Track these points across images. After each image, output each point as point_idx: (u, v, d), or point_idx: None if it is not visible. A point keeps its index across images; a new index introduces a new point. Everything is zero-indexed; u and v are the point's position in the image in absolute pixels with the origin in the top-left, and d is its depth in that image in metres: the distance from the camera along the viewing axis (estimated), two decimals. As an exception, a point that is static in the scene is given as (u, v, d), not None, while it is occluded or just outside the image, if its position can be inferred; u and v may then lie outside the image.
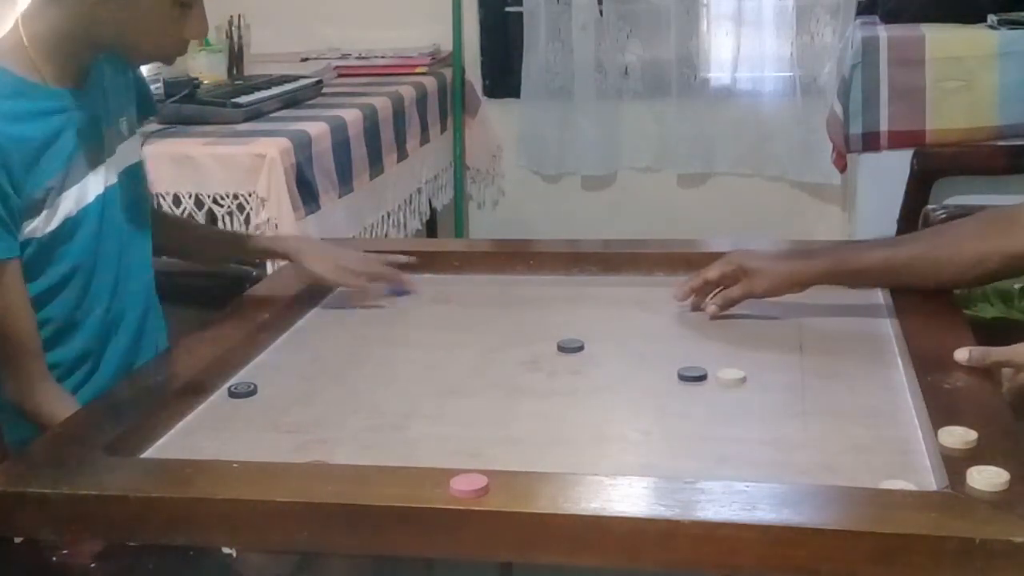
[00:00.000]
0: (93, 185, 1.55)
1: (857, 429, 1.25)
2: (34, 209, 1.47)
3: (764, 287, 1.53)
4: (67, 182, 1.50)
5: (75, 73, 1.52)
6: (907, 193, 2.58)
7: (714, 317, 1.55)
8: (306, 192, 2.46)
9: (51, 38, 1.47)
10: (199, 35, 1.54)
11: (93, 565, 1.26)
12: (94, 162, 1.55)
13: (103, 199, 1.56)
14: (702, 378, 1.40)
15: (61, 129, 1.49)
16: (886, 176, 2.64)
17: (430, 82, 3.32)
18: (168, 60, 1.58)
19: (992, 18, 2.69)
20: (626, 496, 1.06)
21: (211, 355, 1.50)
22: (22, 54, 1.47)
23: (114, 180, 1.59)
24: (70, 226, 1.51)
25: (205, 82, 2.96)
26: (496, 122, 3.60)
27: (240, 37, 3.32)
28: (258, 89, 2.85)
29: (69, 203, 1.50)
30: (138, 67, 1.68)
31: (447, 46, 3.49)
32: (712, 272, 1.55)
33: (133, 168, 1.65)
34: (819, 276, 1.54)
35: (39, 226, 1.48)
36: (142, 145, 1.76)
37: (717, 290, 1.57)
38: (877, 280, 1.58)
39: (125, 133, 1.64)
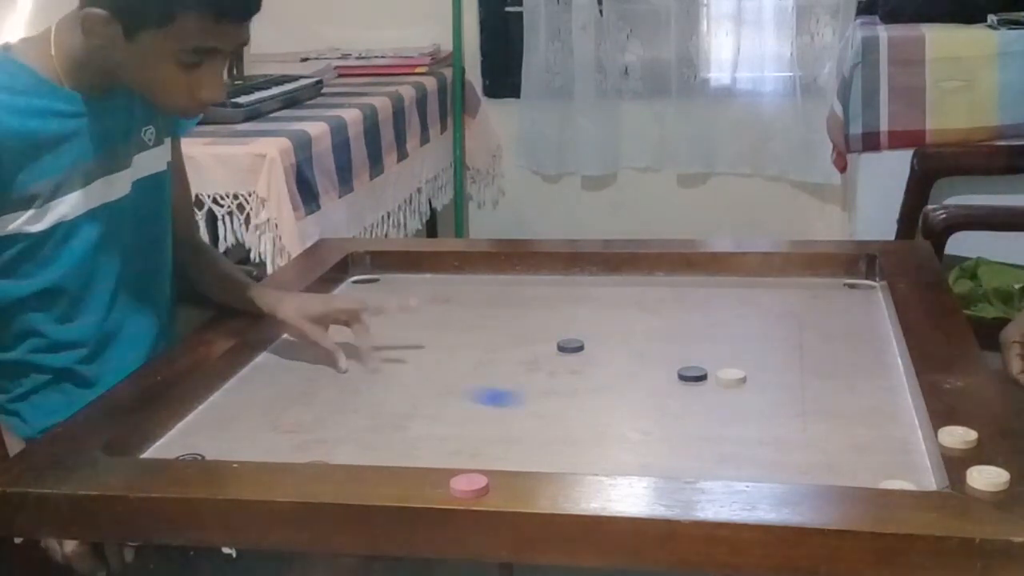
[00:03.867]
0: (97, 194, 1.51)
1: (857, 429, 1.25)
2: (22, 203, 1.44)
3: None
4: (66, 186, 1.47)
5: (100, 89, 1.49)
6: (907, 193, 2.58)
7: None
8: (306, 192, 2.46)
9: (77, 60, 1.45)
10: (212, 98, 1.46)
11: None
12: (102, 171, 1.52)
13: (109, 208, 1.53)
14: (702, 378, 1.40)
15: (70, 133, 1.47)
16: (886, 176, 2.64)
17: (430, 82, 3.32)
18: (182, 116, 1.55)
19: (992, 18, 2.69)
20: (626, 496, 1.06)
21: (211, 355, 1.50)
22: (47, 60, 1.46)
23: (125, 192, 1.55)
24: (64, 230, 1.49)
25: (205, 82, 2.95)
26: (496, 122, 3.60)
27: (240, 37, 3.32)
28: (258, 89, 2.85)
29: (65, 207, 1.48)
30: (165, 113, 1.59)
31: (447, 46, 3.49)
32: None
33: (152, 178, 1.61)
34: None
35: (26, 223, 1.45)
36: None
37: None
38: None
39: (149, 143, 1.60)
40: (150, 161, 1.60)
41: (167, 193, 1.66)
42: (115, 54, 1.41)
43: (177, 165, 1.71)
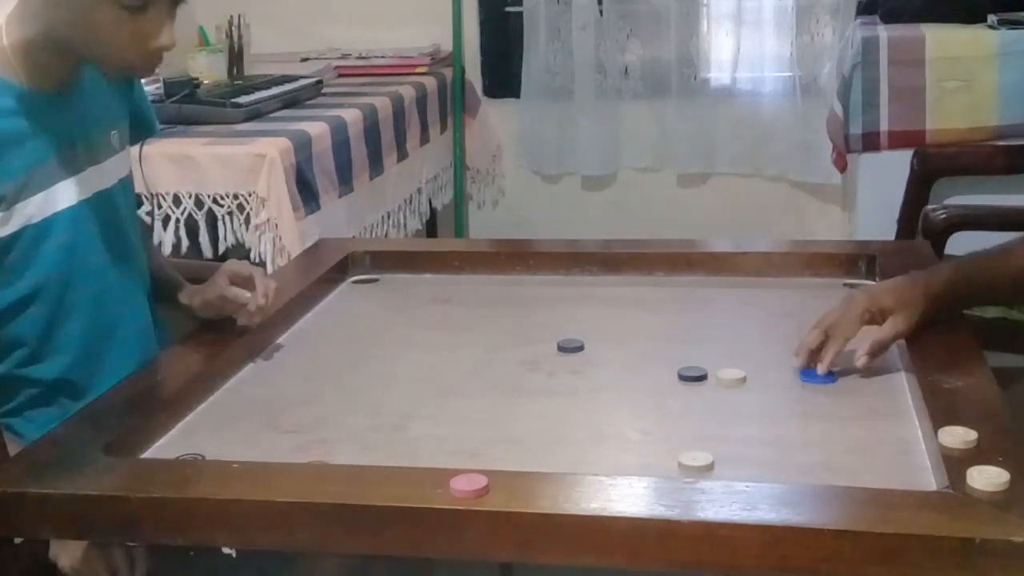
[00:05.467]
0: (65, 194, 1.48)
1: (857, 429, 1.25)
2: None
3: (910, 324, 1.39)
4: (30, 186, 1.44)
5: (57, 79, 1.47)
6: (907, 193, 2.58)
7: (867, 367, 1.37)
8: (306, 192, 2.46)
9: (27, 44, 1.43)
10: (162, 46, 1.42)
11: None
12: (69, 171, 1.49)
13: (78, 210, 1.50)
14: (702, 378, 1.40)
15: (30, 131, 1.44)
16: (886, 176, 2.64)
17: (430, 82, 3.32)
18: (136, 72, 1.49)
19: (992, 18, 2.69)
20: (626, 496, 1.06)
21: (211, 355, 1.50)
22: (3, 56, 1.43)
23: (94, 192, 1.53)
24: (33, 233, 1.45)
25: (205, 82, 2.96)
26: (496, 122, 3.60)
27: (240, 37, 3.32)
28: (258, 89, 2.85)
29: (31, 208, 1.45)
30: (118, 79, 1.57)
31: (447, 46, 3.49)
32: (852, 329, 1.38)
33: (122, 183, 1.59)
34: (943, 294, 1.41)
35: None
36: (140, 148, 1.71)
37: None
38: (994, 295, 1.47)
39: (116, 147, 1.58)
40: (118, 165, 1.59)
41: (132, 197, 1.65)
42: (56, 12, 1.38)
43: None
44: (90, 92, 1.54)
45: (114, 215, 1.57)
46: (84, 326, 1.53)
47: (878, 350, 1.38)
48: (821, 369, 1.37)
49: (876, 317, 1.39)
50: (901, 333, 1.39)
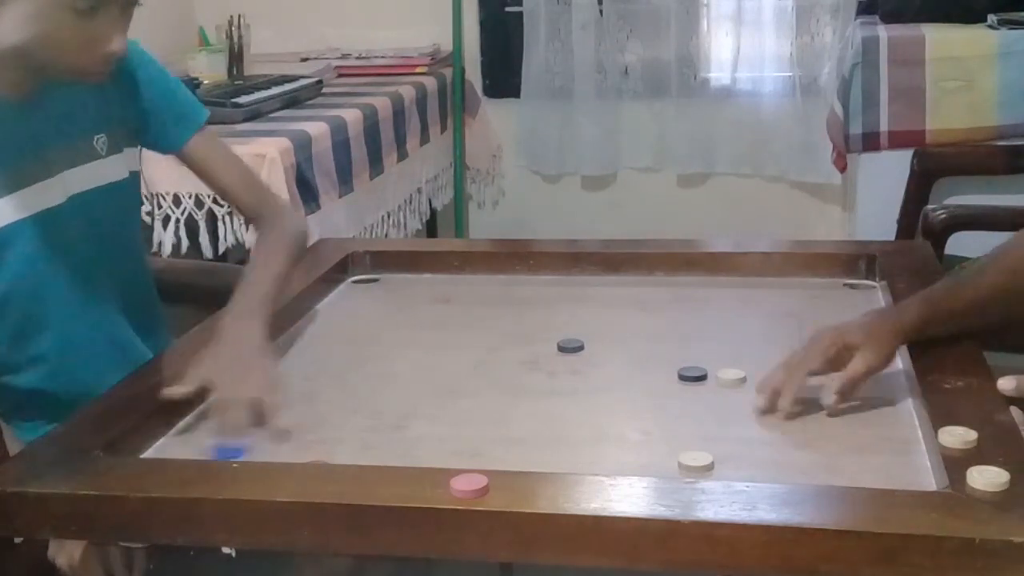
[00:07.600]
0: (31, 202, 1.44)
1: (857, 429, 1.25)
2: None
3: (881, 358, 1.31)
4: None
5: (22, 86, 1.43)
6: (907, 193, 2.58)
7: (836, 406, 1.27)
8: (306, 192, 2.46)
9: None
10: (114, 51, 1.39)
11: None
12: (32, 178, 1.45)
13: (46, 218, 1.46)
14: (702, 378, 1.40)
15: None
16: (886, 176, 2.64)
17: (430, 82, 3.32)
18: (89, 77, 1.44)
19: (992, 18, 2.69)
20: (626, 496, 1.06)
21: (211, 355, 1.49)
22: None
23: (67, 197, 1.49)
24: None
25: (205, 82, 2.96)
26: (496, 122, 3.60)
27: (240, 37, 3.32)
28: (258, 89, 2.85)
29: None
30: (74, 83, 1.48)
31: (447, 46, 3.50)
32: (815, 362, 1.30)
33: (110, 188, 1.55)
34: (915, 328, 1.35)
35: None
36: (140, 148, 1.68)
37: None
38: (967, 321, 1.38)
39: (101, 152, 1.54)
40: (104, 170, 1.54)
41: (133, 200, 1.62)
42: (8, 19, 1.34)
43: (209, 156, 1.65)
44: (65, 97, 1.49)
45: (101, 221, 1.54)
46: (60, 334, 1.50)
47: (849, 387, 1.28)
48: (782, 403, 1.27)
49: (843, 353, 1.30)
50: (873, 368, 1.29)
